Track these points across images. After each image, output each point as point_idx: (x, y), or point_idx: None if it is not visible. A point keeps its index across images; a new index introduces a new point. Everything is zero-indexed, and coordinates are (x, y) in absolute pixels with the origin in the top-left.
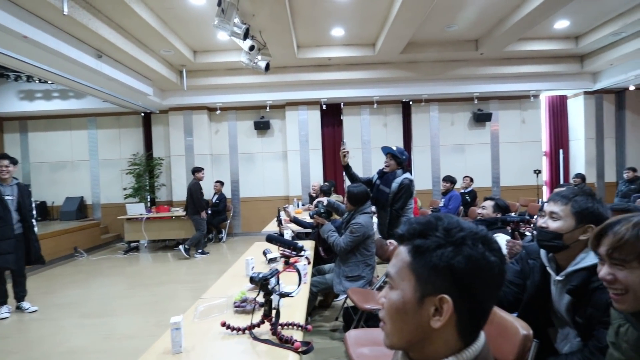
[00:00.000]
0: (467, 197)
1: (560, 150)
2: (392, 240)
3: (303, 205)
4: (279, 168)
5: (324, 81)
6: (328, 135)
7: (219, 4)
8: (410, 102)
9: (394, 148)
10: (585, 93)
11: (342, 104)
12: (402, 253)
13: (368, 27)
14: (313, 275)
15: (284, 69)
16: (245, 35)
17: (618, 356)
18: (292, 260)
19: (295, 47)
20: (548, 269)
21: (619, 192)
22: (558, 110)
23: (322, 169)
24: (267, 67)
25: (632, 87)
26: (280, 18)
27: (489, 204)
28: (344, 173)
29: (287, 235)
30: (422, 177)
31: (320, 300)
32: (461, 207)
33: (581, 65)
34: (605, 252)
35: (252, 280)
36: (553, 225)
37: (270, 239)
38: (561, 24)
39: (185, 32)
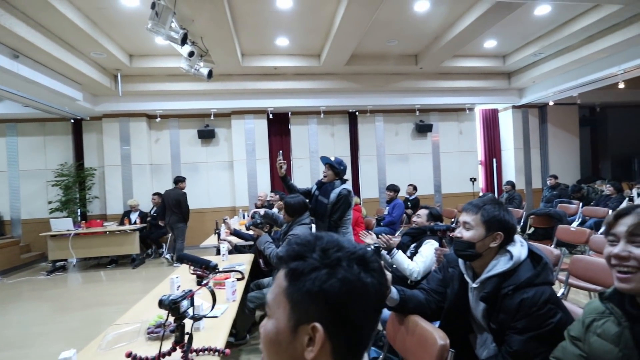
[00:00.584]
0: (409, 204)
1: (494, 159)
2: None
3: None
4: (225, 178)
5: (271, 90)
6: (276, 145)
7: (153, 7)
8: (357, 113)
9: (332, 159)
10: (514, 107)
11: (289, 113)
12: (279, 278)
13: (312, 38)
14: (251, 290)
15: (228, 77)
16: (184, 41)
17: (574, 351)
18: (217, 277)
19: (239, 55)
20: (465, 276)
21: (543, 197)
22: (491, 123)
23: (270, 179)
24: (210, 74)
25: (551, 103)
26: (221, 24)
27: (424, 212)
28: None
29: (223, 249)
30: (368, 185)
31: (261, 316)
32: (405, 215)
33: (509, 82)
34: (625, 230)
35: (160, 304)
36: (466, 234)
37: (180, 258)
38: (490, 44)
39: (119, 35)
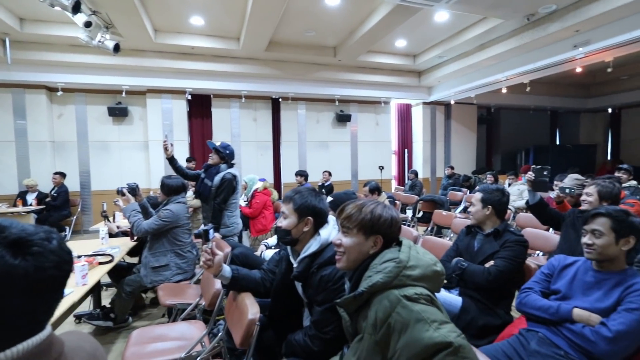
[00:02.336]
0: (324, 191)
1: (406, 150)
2: (215, 234)
3: None
4: (140, 159)
5: (189, 70)
6: (196, 127)
7: None
8: (280, 99)
9: (218, 144)
10: (424, 103)
11: (211, 95)
12: None
13: (228, 20)
14: (133, 273)
15: (141, 53)
16: (76, 9)
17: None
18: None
19: (150, 31)
20: (290, 258)
21: (442, 185)
22: (404, 116)
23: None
24: (117, 48)
25: (452, 102)
26: None
27: (329, 199)
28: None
29: (102, 232)
30: (290, 170)
31: (152, 298)
32: None
33: (419, 80)
34: (340, 221)
35: None
36: (284, 223)
37: None
38: (400, 43)
39: None
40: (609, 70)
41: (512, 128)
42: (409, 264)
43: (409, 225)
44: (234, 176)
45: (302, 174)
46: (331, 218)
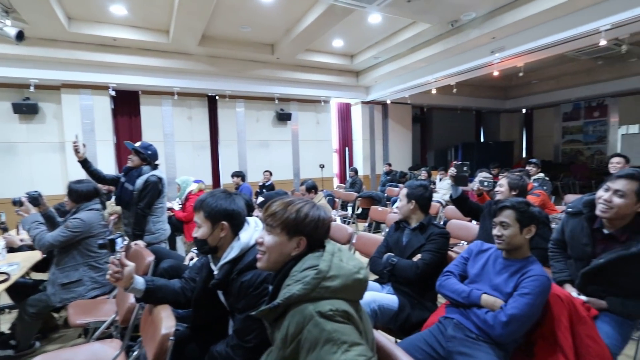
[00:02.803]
0: (264, 190)
1: (347, 148)
2: (138, 242)
3: None
4: (55, 162)
5: (112, 64)
6: (123, 126)
7: None
8: (216, 97)
9: (137, 144)
10: (362, 103)
11: (139, 92)
12: None
13: (155, 11)
14: (39, 291)
15: (53, 43)
16: None
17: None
18: None
19: (63, 18)
20: (211, 265)
21: (381, 182)
22: (344, 115)
23: (116, 163)
24: (21, 35)
25: (389, 101)
26: None
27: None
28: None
29: (0, 247)
30: (229, 171)
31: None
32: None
33: (357, 80)
34: (264, 218)
35: None
36: (198, 232)
37: None
38: (338, 43)
39: None
40: (521, 74)
41: (443, 127)
42: (330, 274)
43: (348, 223)
44: (160, 179)
45: (239, 175)
46: (252, 219)
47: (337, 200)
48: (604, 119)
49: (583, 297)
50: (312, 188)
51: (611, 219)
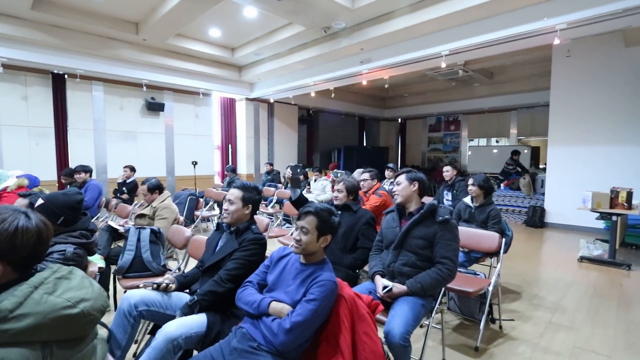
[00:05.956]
0: (124, 189)
1: (230, 145)
2: None
3: None
4: None
5: None
6: None
7: None
8: (65, 76)
9: None
10: (247, 99)
11: None
12: None
13: None
14: None
15: None
16: None
17: None
18: None
19: None
20: None
21: (262, 181)
22: (228, 111)
23: None
24: None
25: (272, 100)
26: None
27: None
28: None
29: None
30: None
31: None
32: (104, 199)
33: (239, 75)
34: None
35: None
36: None
37: None
38: (215, 32)
39: None
40: (386, 86)
41: (329, 129)
42: (15, 313)
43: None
44: None
45: (84, 169)
46: None
47: (200, 200)
48: (458, 132)
49: (389, 283)
50: (155, 188)
51: (401, 203)
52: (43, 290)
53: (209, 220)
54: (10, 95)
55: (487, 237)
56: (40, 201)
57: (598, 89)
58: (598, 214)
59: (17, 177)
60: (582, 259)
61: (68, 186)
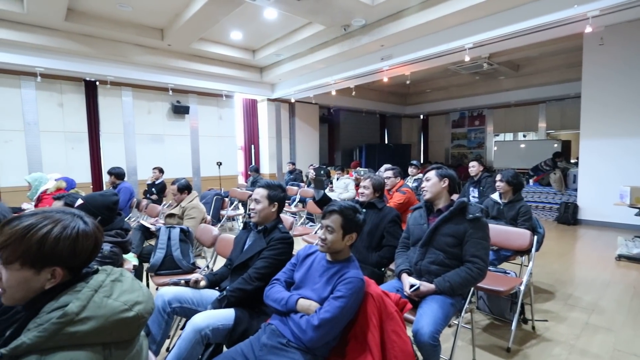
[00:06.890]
0: (154, 190)
1: (252, 146)
2: None
3: None
4: None
5: None
6: None
7: None
8: (97, 83)
9: None
10: (268, 100)
11: None
12: None
13: None
14: None
15: None
16: None
17: None
18: None
19: None
20: None
21: (285, 181)
22: (250, 112)
23: None
24: None
25: (293, 100)
26: None
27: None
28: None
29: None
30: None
31: None
32: (135, 199)
33: (261, 76)
34: None
35: None
36: None
37: None
38: (236, 35)
39: None
40: (408, 82)
41: (350, 127)
42: (80, 316)
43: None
44: None
45: (113, 172)
46: None
47: (226, 199)
48: (483, 127)
49: (417, 282)
50: (185, 188)
51: (430, 199)
52: (102, 294)
53: (234, 220)
54: (48, 103)
55: (518, 235)
56: (79, 201)
57: (634, 77)
58: (638, 210)
59: (55, 180)
60: (620, 257)
61: (111, 187)
